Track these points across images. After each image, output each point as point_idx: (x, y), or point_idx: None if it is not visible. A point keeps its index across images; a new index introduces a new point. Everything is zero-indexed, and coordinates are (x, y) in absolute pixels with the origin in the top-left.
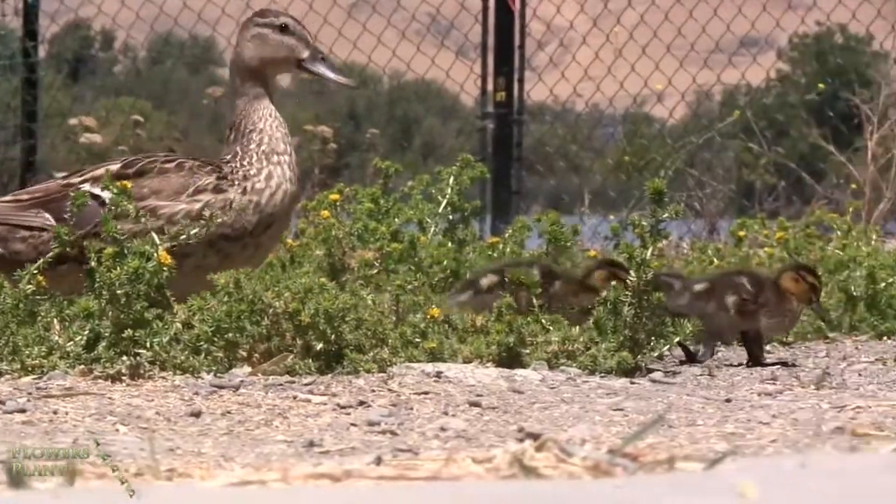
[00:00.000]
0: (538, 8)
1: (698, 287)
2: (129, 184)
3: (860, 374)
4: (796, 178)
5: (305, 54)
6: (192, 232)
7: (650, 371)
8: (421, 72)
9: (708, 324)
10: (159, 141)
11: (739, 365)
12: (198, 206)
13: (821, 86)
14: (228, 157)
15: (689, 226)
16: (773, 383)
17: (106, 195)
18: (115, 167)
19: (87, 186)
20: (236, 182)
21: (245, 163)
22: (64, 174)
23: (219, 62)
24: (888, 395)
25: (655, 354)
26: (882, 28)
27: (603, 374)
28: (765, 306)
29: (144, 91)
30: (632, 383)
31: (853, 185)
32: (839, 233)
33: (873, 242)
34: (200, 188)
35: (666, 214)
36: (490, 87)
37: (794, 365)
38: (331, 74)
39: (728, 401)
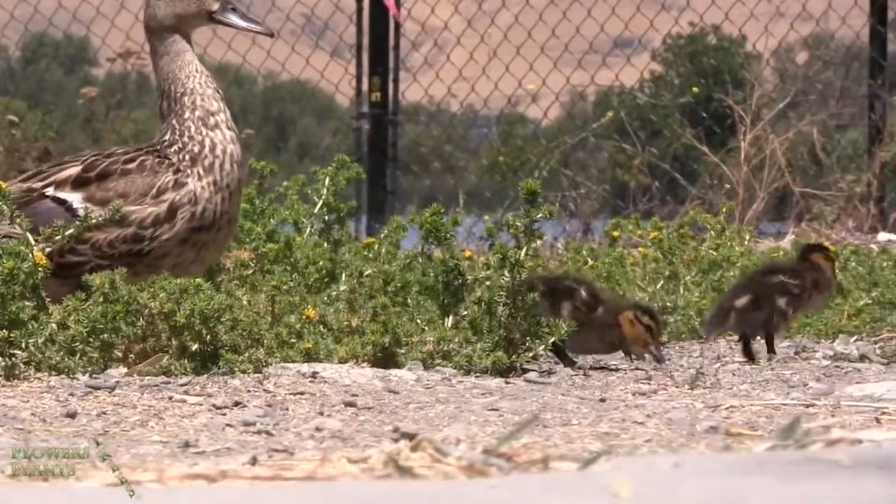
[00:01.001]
0: (413, 8)
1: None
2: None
3: (734, 374)
4: (670, 178)
5: (216, 6)
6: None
7: (525, 371)
8: (296, 72)
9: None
10: (34, 141)
11: (613, 367)
12: (164, 206)
13: (694, 87)
14: (167, 136)
15: (563, 226)
16: (648, 383)
17: (72, 199)
18: (75, 170)
19: (51, 191)
20: (188, 170)
21: (186, 139)
22: (22, 177)
23: (93, 62)
24: (761, 394)
25: (530, 354)
26: (755, 29)
27: (478, 374)
28: (596, 324)
29: (19, 91)
30: (507, 383)
31: (726, 186)
32: (713, 233)
33: (746, 242)
34: (162, 188)
35: (540, 215)
36: (365, 87)
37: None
38: (242, 23)
39: (603, 400)
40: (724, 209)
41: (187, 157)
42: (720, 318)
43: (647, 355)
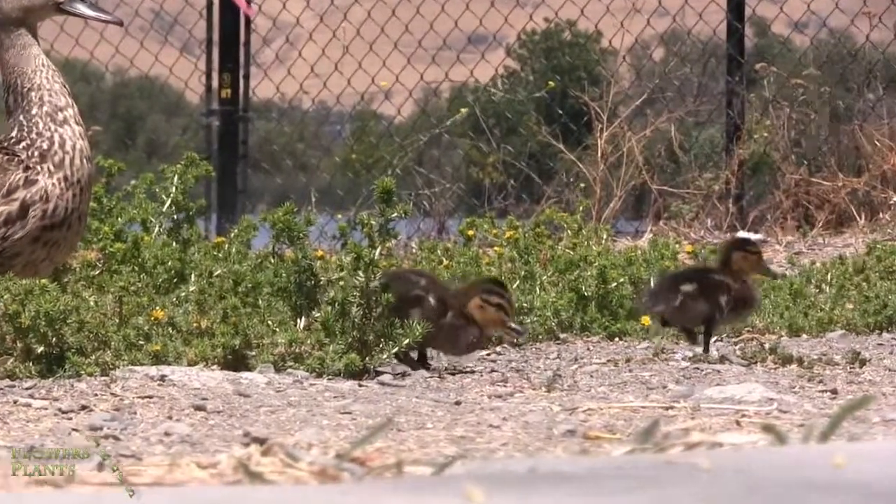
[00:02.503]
0: (264, 4)
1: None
2: None
3: (592, 376)
4: (526, 176)
5: None
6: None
7: (379, 373)
8: (145, 68)
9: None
10: None
11: (468, 369)
12: (16, 205)
13: (550, 83)
14: (14, 132)
15: (417, 225)
16: (504, 385)
17: None
18: None
19: None
20: (38, 166)
21: (34, 135)
22: None
23: None
24: (620, 396)
25: (384, 356)
26: (611, 25)
27: (331, 377)
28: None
29: None
30: (360, 386)
31: (583, 184)
32: (569, 232)
33: (604, 241)
34: (13, 186)
35: (394, 213)
36: (215, 83)
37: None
38: (91, 13)
39: (458, 403)
40: (580, 208)
41: (36, 154)
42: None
43: (507, 334)
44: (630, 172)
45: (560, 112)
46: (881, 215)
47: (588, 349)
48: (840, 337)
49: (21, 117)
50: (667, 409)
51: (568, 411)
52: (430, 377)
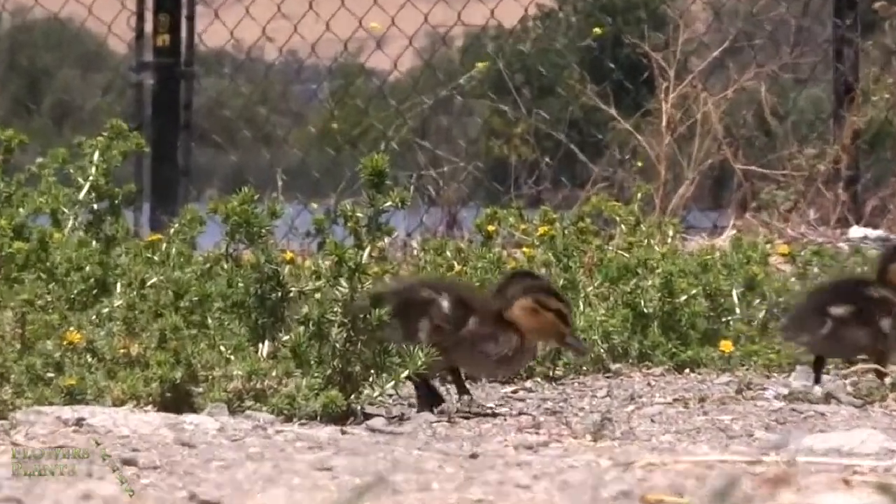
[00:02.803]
0: None
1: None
2: None
3: (653, 421)
4: (565, 152)
5: None
6: None
7: (368, 416)
8: (54, 8)
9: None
10: None
11: (489, 411)
12: None
13: (598, 30)
14: None
15: (420, 217)
16: (536, 433)
17: None
18: None
19: None
20: None
21: None
22: None
23: None
24: (690, 447)
25: (376, 394)
26: None
27: (304, 421)
28: (473, 338)
29: None
30: (343, 433)
31: (641, 163)
32: (624, 227)
33: (670, 240)
34: None
35: (388, 202)
36: (149, 28)
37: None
38: None
39: (474, 456)
40: (638, 195)
41: None
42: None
43: (566, 348)
44: (706, 147)
45: (612, 66)
46: None
47: (649, 384)
48: None
49: None
50: (752, 463)
51: (621, 467)
52: (438, 422)
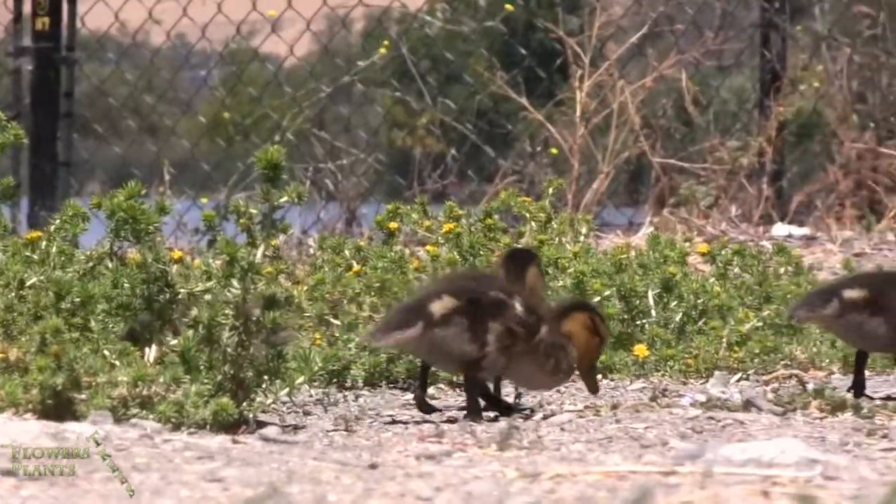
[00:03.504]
0: None
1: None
2: None
3: (563, 429)
4: (473, 144)
5: None
6: None
7: (261, 425)
8: None
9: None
10: None
11: (391, 420)
12: None
13: (508, 6)
14: None
15: (318, 214)
16: (439, 442)
17: None
18: None
19: None
20: None
21: None
22: None
23: None
24: (602, 458)
25: (269, 402)
26: None
27: (193, 430)
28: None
29: None
30: (235, 443)
31: (554, 155)
32: (534, 224)
33: (583, 238)
34: None
35: (284, 198)
36: (27, 9)
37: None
38: None
39: (373, 467)
40: (550, 189)
41: None
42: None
43: (586, 379)
44: (622, 139)
45: (523, 52)
46: None
47: (558, 391)
48: None
49: None
50: (667, 474)
51: (528, 478)
52: (335, 430)
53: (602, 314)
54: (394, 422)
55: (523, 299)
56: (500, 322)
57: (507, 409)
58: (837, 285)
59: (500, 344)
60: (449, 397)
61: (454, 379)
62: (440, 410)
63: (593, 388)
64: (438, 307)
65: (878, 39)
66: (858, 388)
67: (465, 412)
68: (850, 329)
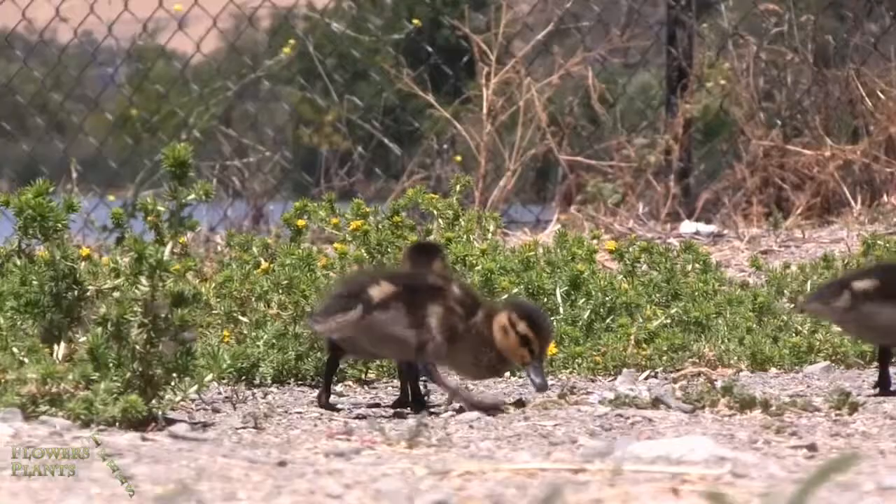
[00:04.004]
0: None
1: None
2: None
3: (471, 426)
4: (380, 142)
5: None
6: None
7: (171, 422)
8: None
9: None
10: None
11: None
12: None
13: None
14: None
15: (225, 211)
16: (348, 439)
17: None
18: None
19: None
20: None
21: None
22: None
23: None
24: (510, 455)
25: (178, 399)
26: None
27: (103, 427)
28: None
29: None
30: (144, 440)
31: (461, 153)
32: (441, 222)
33: (490, 236)
34: None
35: (192, 195)
36: None
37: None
38: None
39: (282, 464)
40: (457, 187)
41: None
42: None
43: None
44: (529, 137)
45: (429, 50)
46: (885, 198)
47: (467, 388)
48: (823, 371)
49: None
50: (576, 471)
51: (437, 475)
52: (244, 427)
53: (529, 308)
54: (302, 417)
55: (459, 284)
56: (439, 304)
57: (419, 405)
58: (848, 277)
59: (441, 325)
60: (357, 395)
61: (362, 377)
62: (341, 410)
63: (534, 386)
64: (377, 292)
65: (785, 36)
66: (884, 384)
67: (420, 403)
68: (860, 321)
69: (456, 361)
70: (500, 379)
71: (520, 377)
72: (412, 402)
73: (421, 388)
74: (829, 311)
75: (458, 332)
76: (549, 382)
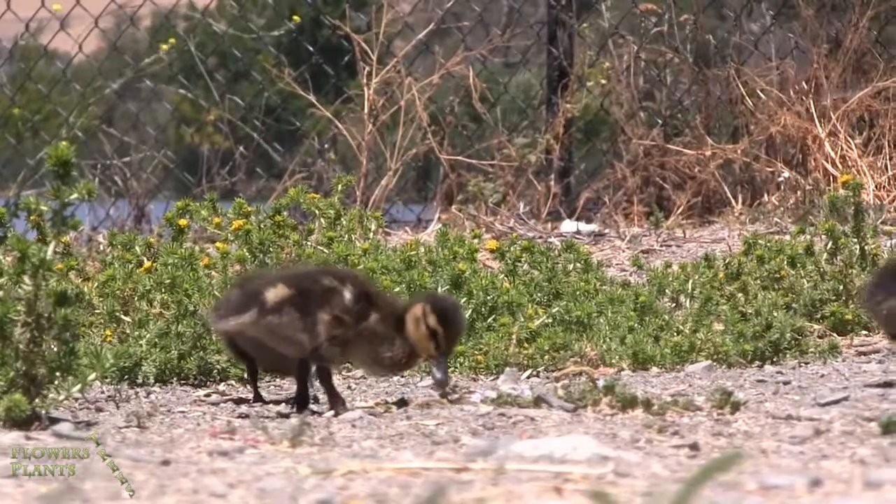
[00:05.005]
0: None
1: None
2: None
3: (354, 426)
4: (259, 143)
5: None
6: None
7: (55, 421)
8: None
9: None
10: None
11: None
12: None
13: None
14: None
15: (107, 210)
16: (231, 438)
17: None
18: None
19: None
20: None
21: None
22: None
23: None
24: (393, 454)
25: (62, 398)
26: None
27: None
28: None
29: None
30: (28, 439)
31: (341, 153)
32: (323, 221)
33: (372, 235)
34: None
35: (74, 194)
36: None
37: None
38: None
39: (166, 463)
40: (339, 186)
41: None
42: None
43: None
44: (410, 136)
45: (310, 49)
46: (766, 198)
47: (349, 388)
48: (704, 370)
49: None
50: (459, 470)
51: (321, 475)
52: (127, 426)
53: (443, 303)
54: (185, 416)
55: (356, 286)
56: (327, 311)
57: (303, 404)
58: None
59: (329, 333)
60: (240, 393)
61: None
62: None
63: (434, 381)
64: (272, 294)
65: (665, 36)
66: None
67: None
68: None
69: (357, 359)
70: (383, 379)
71: (401, 376)
72: (295, 400)
73: (309, 388)
74: (871, 309)
75: (348, 337)
76: (430, 382)
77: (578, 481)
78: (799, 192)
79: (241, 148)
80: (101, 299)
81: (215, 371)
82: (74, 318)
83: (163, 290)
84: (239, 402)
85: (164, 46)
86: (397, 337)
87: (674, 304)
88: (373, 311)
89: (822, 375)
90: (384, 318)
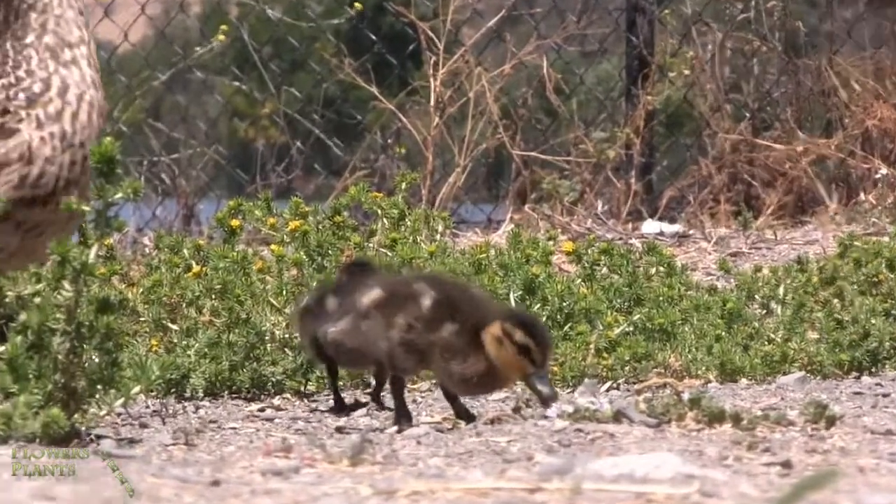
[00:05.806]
0: None
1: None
2: None
3: (419, 443)
4: (317, 137)
5: None
6: None
7: (97, 438)
8: None
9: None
10: None
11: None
12: None
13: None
14: None
15: (153, 211)
16: (286, 456)
17: None
18: None
19: None
20: (22, 112)
21: (22, 73)
22: None
23: None
24: (461, 473)
25: (103, 413)
26: None
27: (22, 443)
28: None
29: None
30: (67, 458)
31: (406, 148)
32: (386, 222)
33: (440, 236)
34: None
35: (119, 194)
36: None
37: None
38: None
39: (216, 483)
40: (403, 184)
41: (21, 96)
42: None
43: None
44: (479, 130)
45: (373, 37)
46: (862, 196)
47: (414, 401)
48: (797, 382)
49: (8, 45)
50: (532, 491)
51: (383, 495)
52: (174, 444)
53: (523, 315)
54: (237, 433)
55: (441, 293)
56: (402, 317)
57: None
58: None
59: (401, 339)
60: (297, 408)
61: (301, 388)
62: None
63: (540, 399)
64: (367, 299)
65: (752, 23)
66: None
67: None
68: None
69: (436, 374)
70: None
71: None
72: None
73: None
74: None
75: (421, 346)
76: (504, 395)
77: (661, 502)
78: None
79: (298, 143)
80: (146, 306)
81: (269, 384)
82: (118, 327)
83: (213, 296)
84: (295, 417)
85: (220, 37)
86: (472, 353)
87: (764, 311)
88: (448, 322)
89: None
90: (464, 330)
